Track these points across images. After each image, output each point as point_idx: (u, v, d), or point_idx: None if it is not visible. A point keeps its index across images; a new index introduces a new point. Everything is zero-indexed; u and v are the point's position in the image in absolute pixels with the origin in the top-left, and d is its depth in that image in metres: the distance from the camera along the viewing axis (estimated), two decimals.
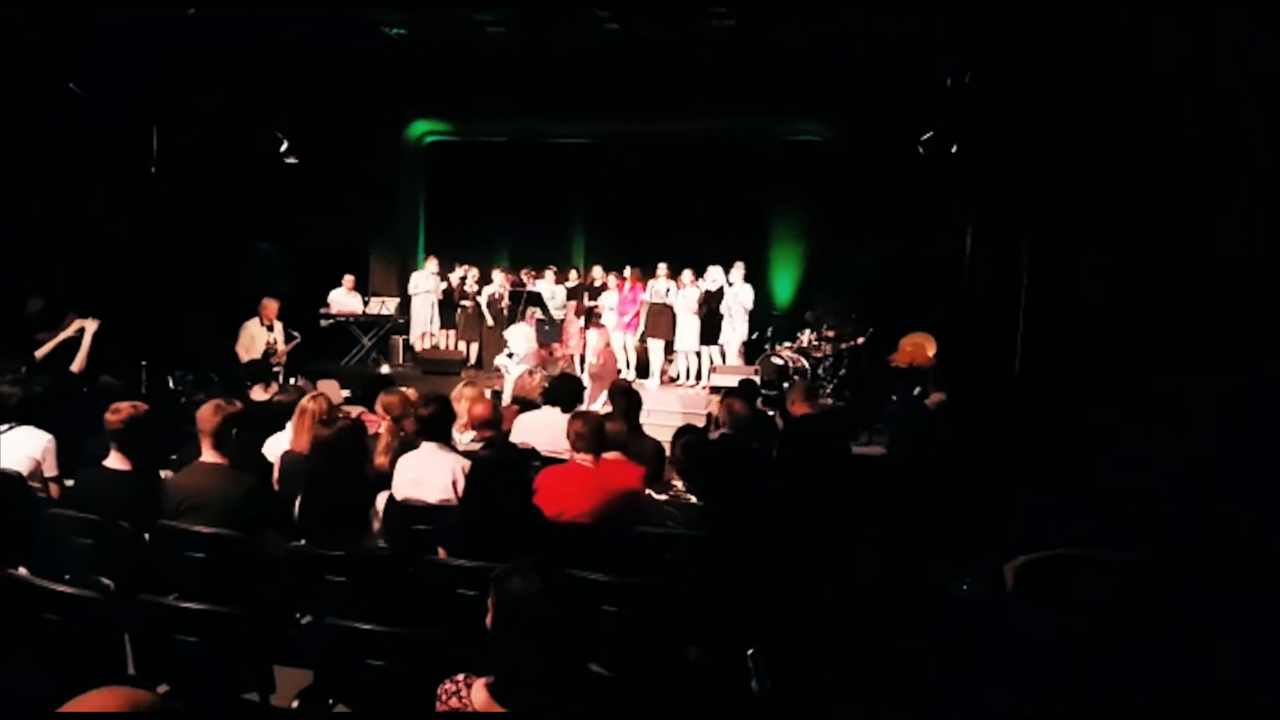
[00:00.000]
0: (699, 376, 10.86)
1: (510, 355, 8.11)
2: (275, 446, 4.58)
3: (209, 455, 3.70)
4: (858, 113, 10.67)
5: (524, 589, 1.97)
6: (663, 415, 8.85)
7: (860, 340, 10.75)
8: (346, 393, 8.72)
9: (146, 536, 3.51)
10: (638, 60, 10.63)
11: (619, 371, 9.82)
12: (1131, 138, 7.00)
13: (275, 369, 8.26)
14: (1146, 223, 6.92)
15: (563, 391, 5.50)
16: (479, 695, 1.95)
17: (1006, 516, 4.02)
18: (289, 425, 4.51)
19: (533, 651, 1.94)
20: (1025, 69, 8.19)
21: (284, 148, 10.77)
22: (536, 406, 5.79)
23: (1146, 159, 6.84)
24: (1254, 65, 5.34)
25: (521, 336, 9.70)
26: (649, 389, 10.03)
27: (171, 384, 8.30)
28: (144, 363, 8.13)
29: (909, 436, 7.21)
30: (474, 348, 11.63)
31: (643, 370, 11.03)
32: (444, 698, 2.00)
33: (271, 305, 9.18)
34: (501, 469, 3.34)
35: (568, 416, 4.55)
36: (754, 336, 11.02)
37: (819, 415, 5.36)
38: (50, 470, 4.17)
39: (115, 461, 3.70)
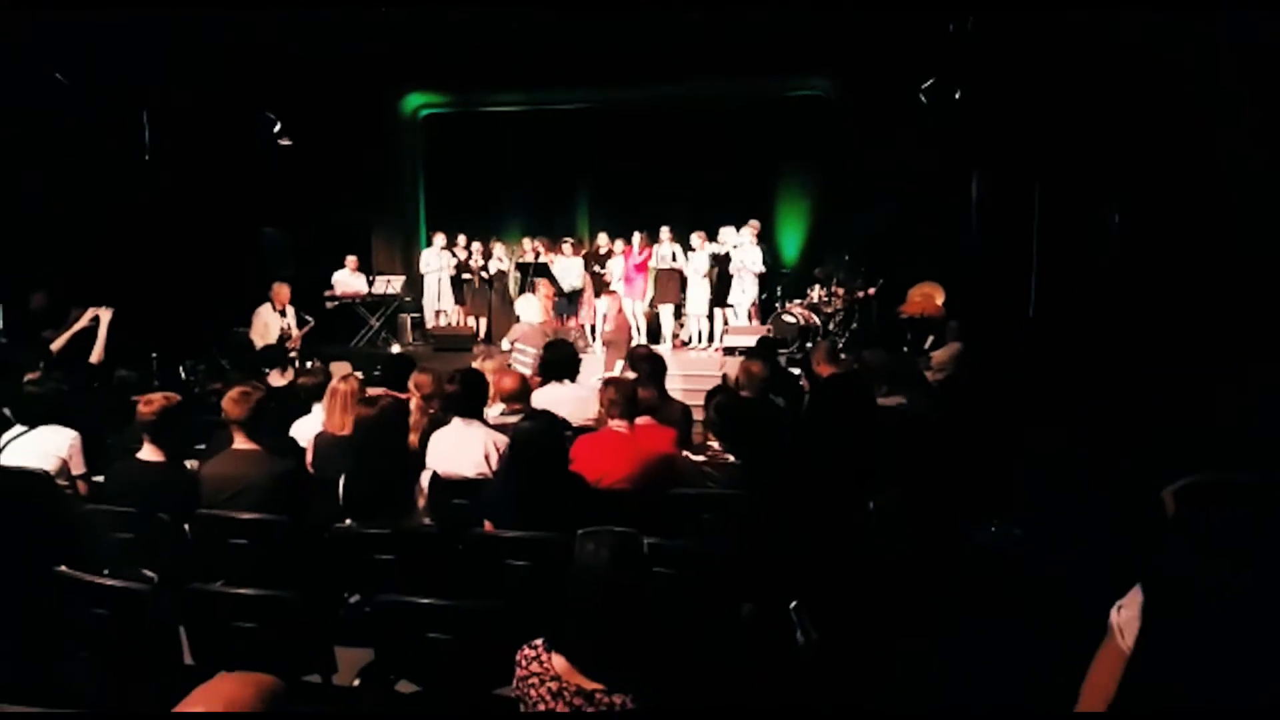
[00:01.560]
0: (711, 339, 10.83)
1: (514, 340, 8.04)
2: (303, 429, 4.54)
3: (241, 443, 3.67)
4: (859, 64, 10.51)
5: (599, 560, 1.96)
6: (677, 379, 8.81)
7: (871, 292, 10.70)
8: (359, 374, 8.68)
9: (186, 527, 3.48)
10: (634, 22, 10.42)
11: (632, 337, 9.75)
12: (1137, 78, 6.90)
13: (291, 354, 8.20)
14: (1157, 163, 6.85)
15: (556, 363, 5.34)
16: (560, 661, 1.94)
17: (1025, 460, 4.02)
18: (316, 407, 4.46)
19: (611, 620, 1.92)
20: (1027, 12, 8.05)
21: (277, 129, 10.63)
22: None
23: (1154, 98, 6.75)
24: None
25: (530, 309, 9.64)
26: (661, 353, 9.99)
27: (183, 374, 8.25)
28: (154, 354, 8.09)
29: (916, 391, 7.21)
30: (483, 322, 11.56)
31: (653, 335, 10.98)
32: (524, 663, 2.00)
33: (283, 290, 9.12)
34: (542, 439, 3.29)
35: (583, 385, 4.50)
36: (764, 296, 10.95)
37: (846, 374, 5.32)
38: (78, 468, 4.13)
39: (149, 453, 3.66)
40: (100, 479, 4.08)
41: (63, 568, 3.18)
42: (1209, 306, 6.20)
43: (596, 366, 8.71)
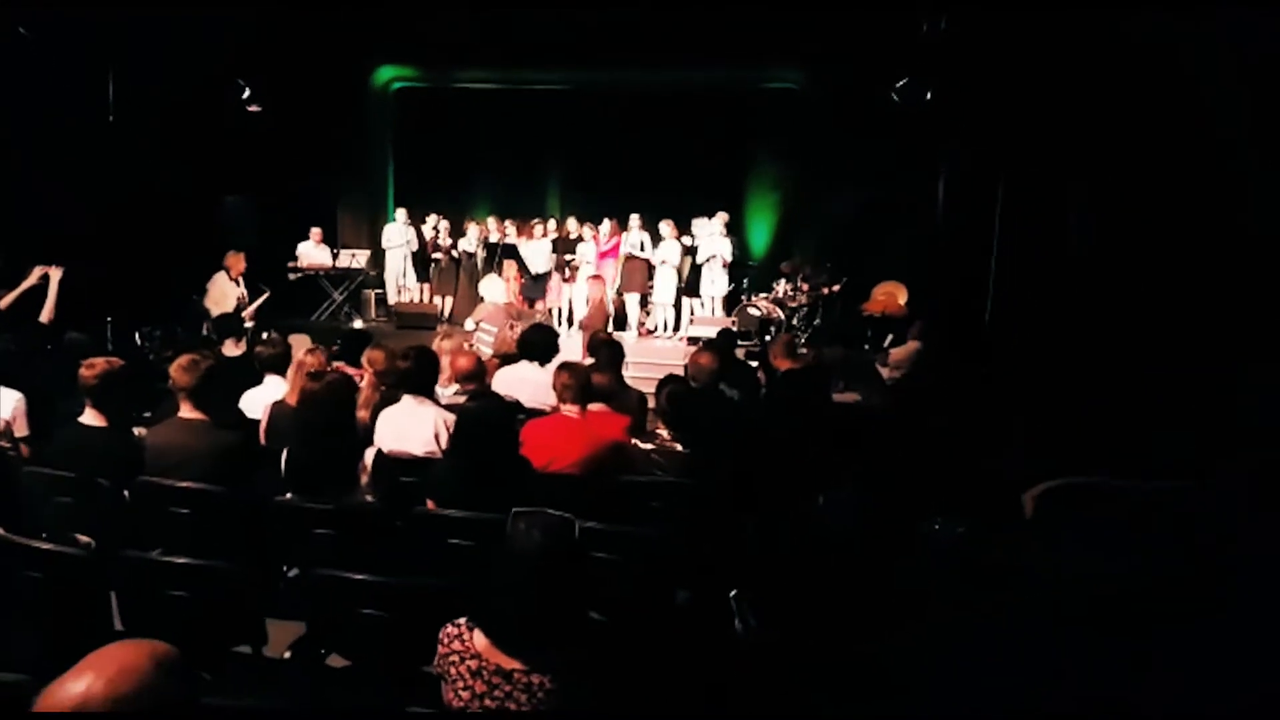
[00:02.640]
0: (677, 328, 10.87)
1: (478, 320, 8.03)
2: (255, 400, 4.52)
3: (187, 411, 3.64)
4: (833, 60, 10.56)
5: (530, 540, 1.99)
6: (641, 367, 8.85)
7: (835, 289, 10.80)
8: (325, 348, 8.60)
9: (126, 493, 3.46)
10: (613, 5, 10.38)
11: (608, 324, 9.77)
12: (1107, 83, 7.00)
13: (246, 324, 8.12)
14: (1121, 168, 6.96)
15: (535, 344, 5.41)
16: (481, 640, 1.97)
17: (979, 458, 4.10)
18: (270, 379, 4.44)
19: (536, 600, 1.95)
20: (1002, 16, 8.14)
21: (246, 95, 10.46)
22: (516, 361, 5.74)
23: (1122, 104, 6.86)
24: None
25: (495, 290, 9.61)
26: (627, 341, 10.01)
27: (139, 340, 8.13)
28: (109, 319, 7.96)
29: (871, 388, 7.34)
30: (449, 301, 11.50)
31: (619, 323, 11.00)
32: (446, 641, 2.02)
33: (238, 259, 8.99)
34: (488, 420, 3.31)
35: (552, 369, 4.52)
36: (733, 288, 11.02)
37: (802, 370, 5.38)
38: (21, 430, 4.08)
39: (91, 418, 3.63)
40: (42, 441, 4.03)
41: None
42: (1169, 309, 6.33)
43: (572, 350, 8.70)
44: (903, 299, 10.55)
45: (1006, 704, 1.97)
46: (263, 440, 4.20)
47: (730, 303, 10.95)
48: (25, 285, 6.07)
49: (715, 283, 10.65)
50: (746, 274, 11.46)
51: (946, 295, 9.68)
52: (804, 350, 7.12)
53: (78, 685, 1.23)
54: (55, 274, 6.08)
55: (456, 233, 11.58)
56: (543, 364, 5.25)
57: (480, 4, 10.56)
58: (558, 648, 1.96)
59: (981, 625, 2.63)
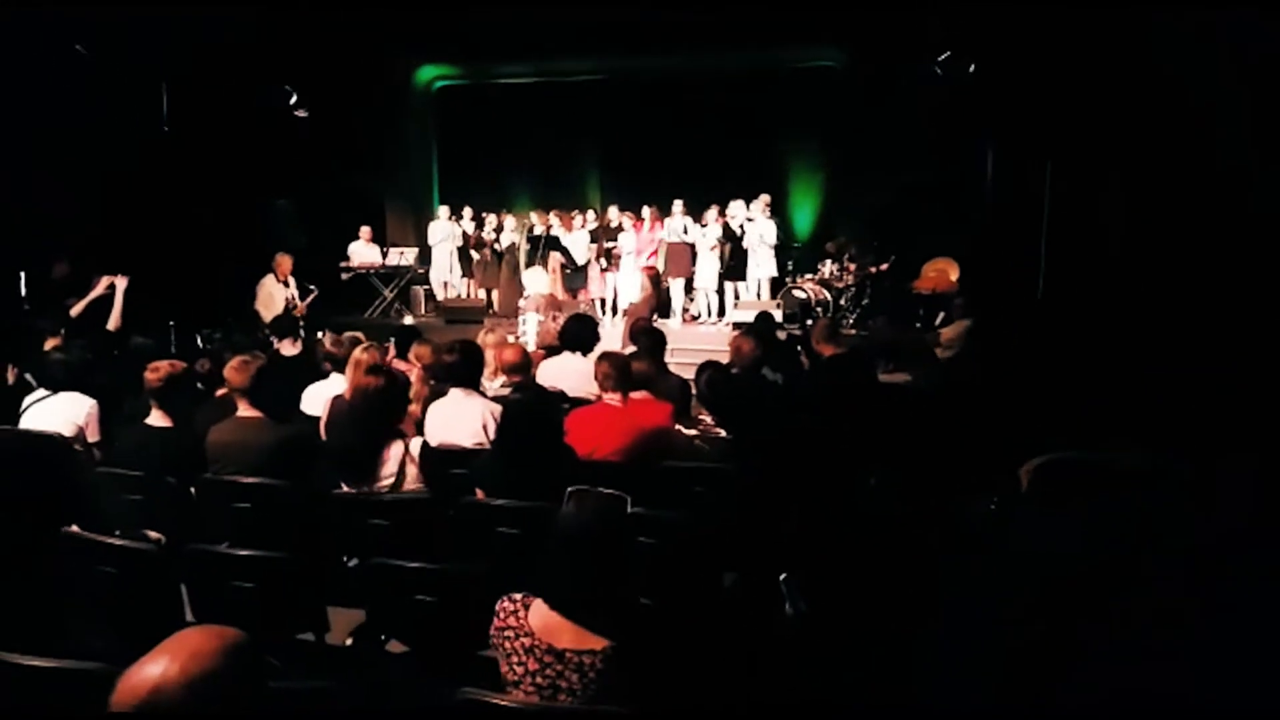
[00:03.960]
0: (721, 313, 10.85)
1: (526, 298, 8.15)
2: (318, 395, 4.67)
3: (245, 410, 3.79)
4: (872, 36, 10.40)
5: (584, 515, 2.06)
6: (686, 354, 8.86)
7: (883, 268, 10.67)
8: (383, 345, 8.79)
9: (192, 490, 3.61)
10: None
11: (654, 313, 9.80)
12: (1156, 53, 6.82)
13: (300, 323, 8.35)
14: (1170, 142, 6.79)
15: (578, 334, 5.48)
16: (535, 618, 2.03)
17: (1031, 437, 4.05)
18: (335, 376, 4.59)
19: (592, 573, 2.02)
20: None
21: (294, 101, 10.72)
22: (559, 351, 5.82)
23: (1172, 76, 6.68)
24: None
25: (538, 281, 9.70)
26: (671, 328, 10.04)
27: (200, 342, 8.41)
28: (171, 322, 8.25)
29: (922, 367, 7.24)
30: (494, 295, 11.65)
31: (663, 309, 11.03)
32: (502, 615, 2.10)
33: (285, 261, 9.24)
34: (533, 411, 3.39)
35: (594, 358, 4.58)
36: (777, 271, 10.96)
37: (846, 354, 5.36)
38: (93, 435, 4.26)
39: (157, 419, 3.79)
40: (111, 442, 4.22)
41: (73, 528, 3.32)
42: (1220, 287, 6.18)
43: (615, 339, 8.76)
44: (954, 276, 10.37)
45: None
46: (323, 434, 4.35)
47: (776, 285, 10.90)
48: (93, 294, 6.35)
49: (760, 266, 10.62)
50: (791, 256, 11.38)
51: (998, 271, 9.51)
52: (851, 331, 7.09)
53: (154, 669, 1.30)
54: (121, 283, 6.33)
55: (498, 226, 11.71)
56: (585, 354, 5.32)
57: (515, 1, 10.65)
58: (610, 624, 2.01)
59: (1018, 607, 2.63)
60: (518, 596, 2.11)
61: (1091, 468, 2.20)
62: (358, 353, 4.52)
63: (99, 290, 6.37)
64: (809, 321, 9.59)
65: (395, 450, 3.39)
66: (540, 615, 2.05)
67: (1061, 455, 2.30)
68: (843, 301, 10.73)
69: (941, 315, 9.78)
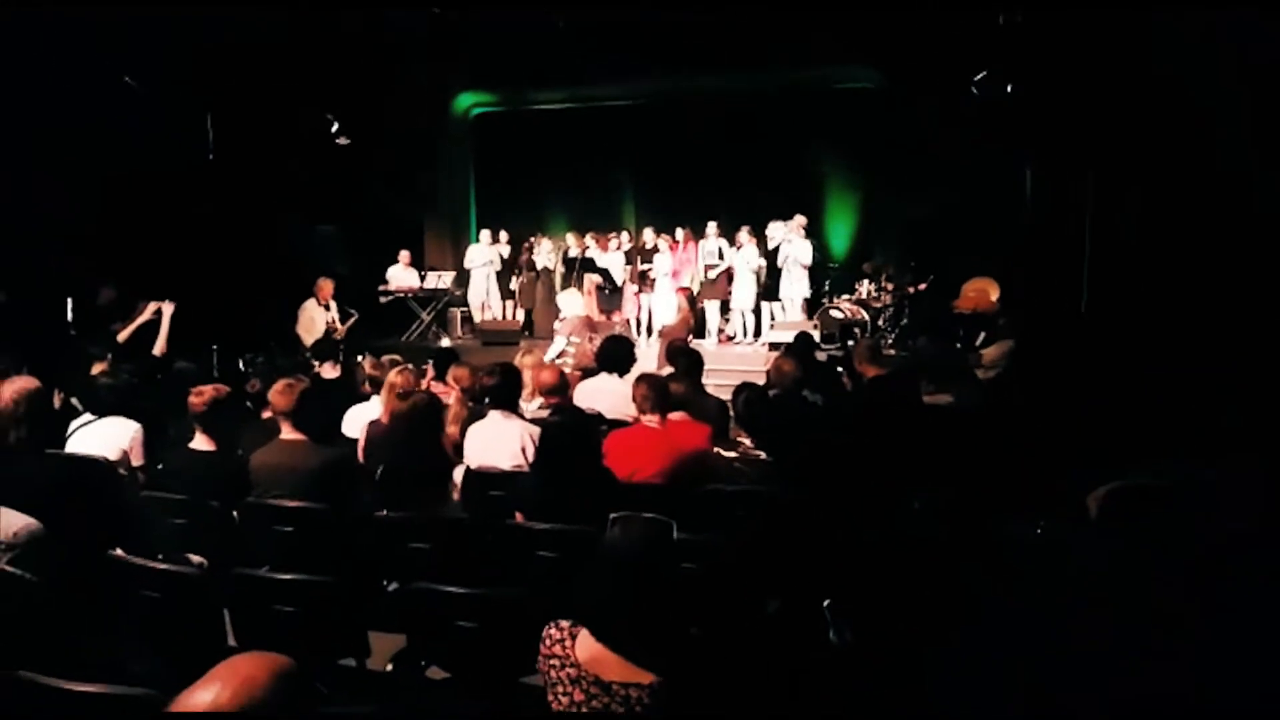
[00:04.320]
0: (757, 334, 10.80)
1: (561, 320, 8.20)
2: (357, 418, 4.70)
3: (289, 433, 3.82)
4: (908, 56, 10.35)
5: (630, 542, 2.02)
6: (721, 374, 8.82)
7: (921, 287, 10.55)
8: (409, 368, 8.85)
9: (235, 514, 3.64)
10: (681, 17, 10.44)
11: (689, 334, 9.79)
12: (1194, 67, 6.71)
13: (340, 346, 8.44)
14: (1210, 154, 6.66)
15: (614, 355, 5.48)
16: (582, 649, 1.99)
17: (1076, 459, 3.95)
18: (374, 398, 4.62)
19: (639, 601, 1.97)
20: (1080, 4, 7.88)
21: (335, 129, 10.91)
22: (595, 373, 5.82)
23: (1210, 91, 6.56)
24: None
25: (573, 303, 9.72)
26: (707, 348, 10.01)
27: (242, 366, 8.53)
28: (215, 347, 8.38)
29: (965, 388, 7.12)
30: (529, 316, 11.72)
31: (699, 330, 11.01)
32: (548, 643, 2.05)
33: (327, 285, 9.38)
34: (571, 433, 3.37)
35: (631, 379, 4.57)
36: (812, 293, 10.89)
37: (891, 375, 5.28)
38: (137, 459, 4.30)
39: (201, 443, 3.83)
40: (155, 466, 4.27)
41: (118, 551, 3.36)
42: (1268, 299, 6.03)
43: (650, 360, 8.75)
44: (995, 295, 10.22)
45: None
46: (360, 458, 4.37)
47: (812, 306, 10.83)
48: (140, 319, 6.45)
49: (796, 286, 10.55)
50: (828, 276, 11.31)
51: (1039, 290, 9.36)
52: (891, 351, 6.99)
53: (206, 695, 1.32)
54: (168, 309, 6.44)
55: (529, 249, 11.80)
56: (621, 375, 5.31)
57: (551, 29, 10.77)
58: (658, 657, 1.96)
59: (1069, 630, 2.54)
60: (565, 624, 2.06)
61: (1161, 492, 2.12)
62: (392, 375, 4.55)
63: (146, 315, 6.49)
64: (849, 342, 9.50)
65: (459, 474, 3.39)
66: (587, 646, 2.00)
67: (1130, 481, 2.22)
68: (880, 322, 10.62)
69: (982, 335, 9.64)
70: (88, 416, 4.41)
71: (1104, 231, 8.35)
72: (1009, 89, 9.12)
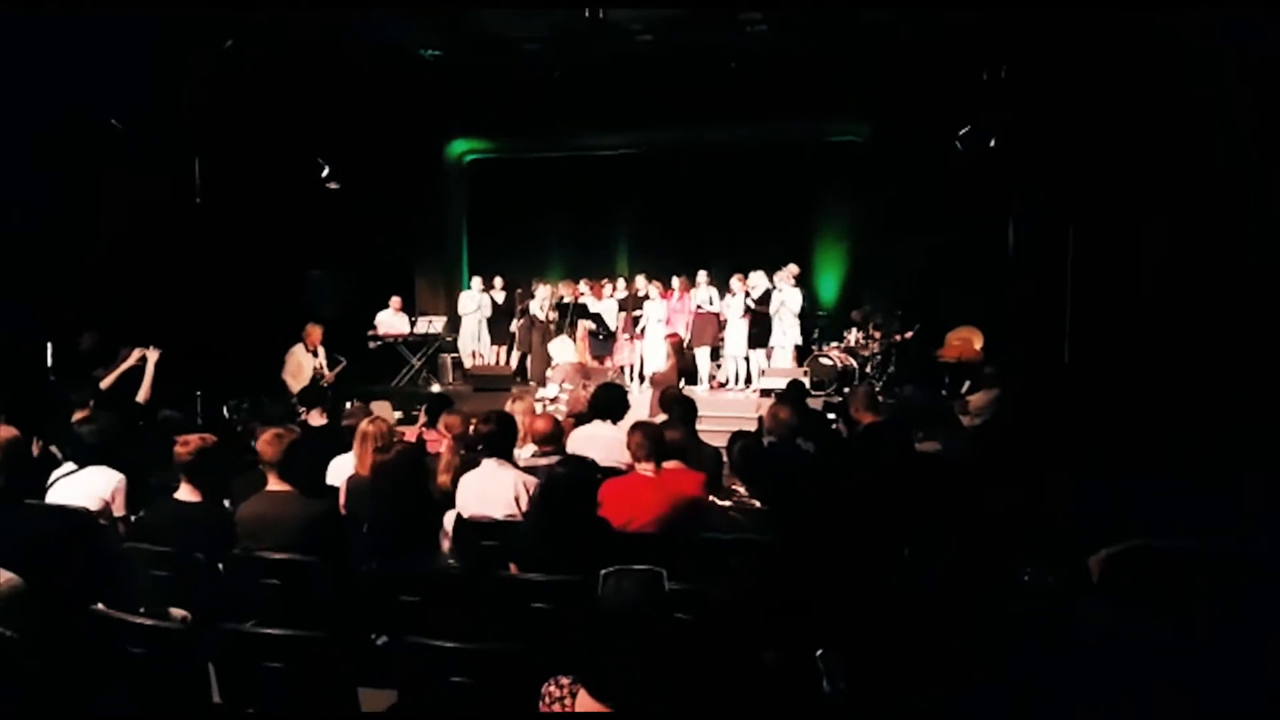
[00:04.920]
0: (748, 380, 10.81)
1: (553, 367, 8.21)
2: (340, 469, 4.63)
3: (275, 484, 3.75)
4: (895, 111, 10.59)
5: (623, 596, 1.98)
6: (714, 421, 8.79)
7: (908, 336, 10.65)
8: (399, 414, 8.80)
9: (220, 566, 3.56)
10: (674, 71, 10.66)
11: (679, 380, 9.79)
12: (1174, 125, 6.88)
13: (328, 393, 8.37)
14: (1192, 209, 6.80)
15: (607, 403, 5.45)
16: (584, 699, 1.94)
17: (1062, 507, 3.95)
18: (353, 449, 4.55)
19: (632, 654, 1.93)
20: (1062, 60, 8.11)
21: (325, 173, 10.96)
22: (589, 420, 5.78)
23: (1190, 146, 6.73)
24: None
25: (565, 350, 9.73)
26: (699, 395, 10.00)
27: (227, 413, 8.43)
28: (199, 393, 8.29)
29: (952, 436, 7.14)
30: (523, 361, 11.70)
31: (691, 377, 11.01)
32: (547, 699, 2.00)
33: (315, 331, 9.32)
34: (576, 484, 3.33)
35: (625, 426, 4.54)
36: (803, 341, 10.96)
37: (886, 422, 5.28)
38: (119, 510, 4.19)
39: (186, 493, 3.75)
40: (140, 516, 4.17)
41: (99, 606, 3.27)
42: (1245, 348, 6.11)
43: (642, 406, 8.71)
44: (978, 344, 10.34)
45: None
46: (342, 510, 4.29)
47: (801, 353, 10.87)
48: (124, 366, 6.36)
49: (787, 334, 10.60)
50: (817, 324, 11.39)
51: (1023, 340, 9.47)
52: (884, 400, 7.02)
53: None
54: (152, 355, 6.35)
55: (526, 295, 11.82)
56: (615, 422, 5.28)
57: (546, 79, 10.95)
58: (660, 702, 1.92)
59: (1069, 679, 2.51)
60: (565, 681, 2.02)
61: (1164, 555, 2.11)
62: (364, 425, 4.46)
63: (130, 362, 6.40)
64: (846, 389, 9.53)
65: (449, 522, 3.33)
66: (587, 704, 1.95)
67: (1132, 544, 2.21)
68: (869, 369, 10.67)
69: (967, 383, 9.71)
70: (69, 466, 4.32)
71: (1085, 282, 8.48)
72: (992, 143, 9.32)
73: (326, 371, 9.23)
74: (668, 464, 4.17)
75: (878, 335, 10.71)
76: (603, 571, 2.10)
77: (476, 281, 12.13)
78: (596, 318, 10.87)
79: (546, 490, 3.44)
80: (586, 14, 8.59)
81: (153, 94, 8.44)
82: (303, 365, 9.12)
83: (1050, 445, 5.98)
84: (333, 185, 11.05)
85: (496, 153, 13.69)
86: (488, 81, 11.28)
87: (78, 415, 5.22)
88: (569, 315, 10.87)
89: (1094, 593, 2.40)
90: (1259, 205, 6.08)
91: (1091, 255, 8.41)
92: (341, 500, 4.34)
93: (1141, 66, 7.10)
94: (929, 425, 6.72)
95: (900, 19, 8.86)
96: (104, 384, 6.34)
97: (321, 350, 9.36)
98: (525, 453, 4.90)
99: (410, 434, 5.81)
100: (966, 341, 10.48)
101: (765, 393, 9.93)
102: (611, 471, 4.51)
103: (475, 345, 12.05)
